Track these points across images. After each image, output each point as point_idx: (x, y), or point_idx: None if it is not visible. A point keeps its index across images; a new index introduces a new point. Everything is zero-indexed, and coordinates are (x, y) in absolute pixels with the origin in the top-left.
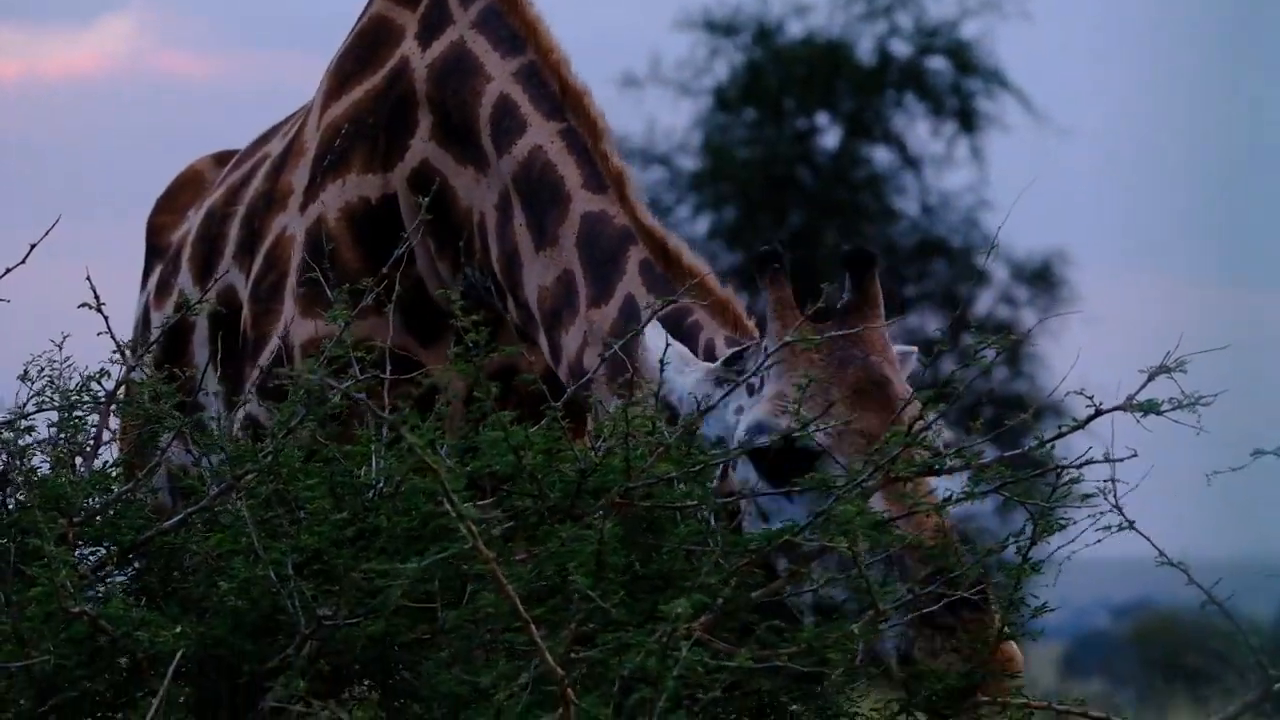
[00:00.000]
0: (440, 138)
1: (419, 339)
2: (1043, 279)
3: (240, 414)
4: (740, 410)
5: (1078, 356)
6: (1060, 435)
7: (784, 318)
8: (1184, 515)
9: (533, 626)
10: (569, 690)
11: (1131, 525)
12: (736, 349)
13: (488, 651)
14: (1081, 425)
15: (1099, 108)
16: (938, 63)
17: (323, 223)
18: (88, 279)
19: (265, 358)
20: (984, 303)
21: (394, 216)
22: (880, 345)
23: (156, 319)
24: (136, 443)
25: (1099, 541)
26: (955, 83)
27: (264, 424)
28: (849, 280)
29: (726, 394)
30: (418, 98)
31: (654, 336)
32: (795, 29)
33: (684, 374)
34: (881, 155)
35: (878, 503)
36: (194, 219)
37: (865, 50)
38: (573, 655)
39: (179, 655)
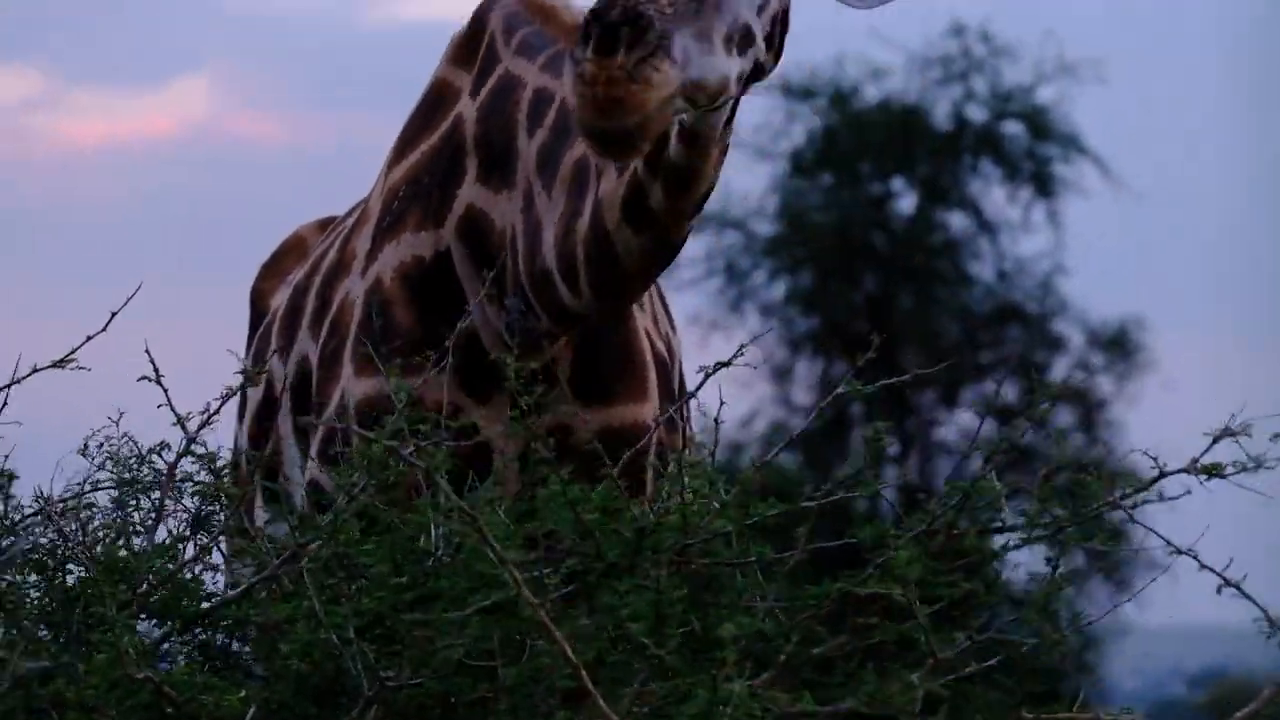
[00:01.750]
0: (483, 176)
1: (470, 393)
2: (1119, 345)
3: (306, 477)
4: None
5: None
6: (1125, 497)
7: None
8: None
9: (584, 673)
10: None
11: (1233, 585)
12: None
13: (548, 708)
14: (1146, 487)
15: (1178, 171)
16: (1014, 127)
17: (379, 283)
18: (146, 351)
19: (324, 420)
20: (1060, 368)
21: (448, 272)
22: None
23: (252, 391)
24: (196, 517)
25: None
26: (1031, 148)
27: (326, 488)
28: None
29: None
30: (467, 145)
31: None
32: (872, 93)
33: None
34: (957, 220)
35: None
36: (283, 292)
37: (941, 115)
38: (634, 710)
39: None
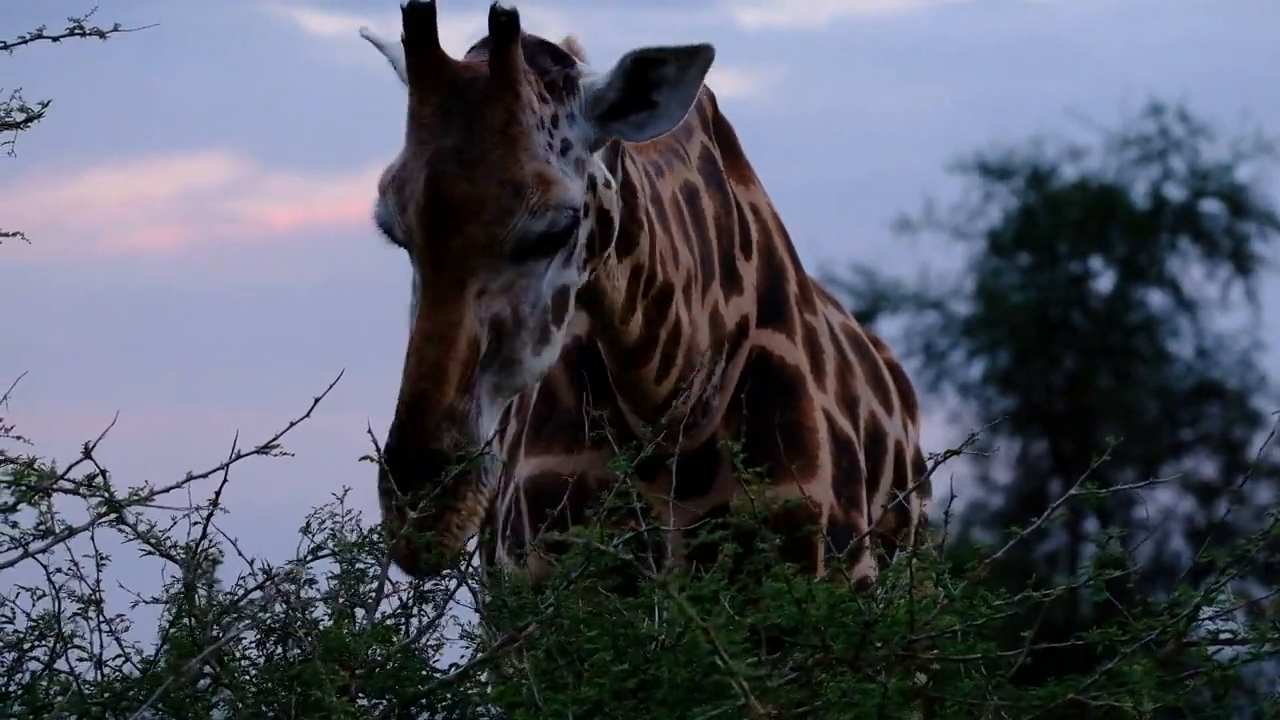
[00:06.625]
0: None
1: (640, 475)
2: None
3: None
4: None
5: None
6: None
7: None
8: None
9: None
10: None
11: None
12: None
13: None
14: None
15: None
16: (1212, 206)
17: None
18: (369, 431)
19: (502, 506)
20: (1259, 444)
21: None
22: None
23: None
24: (420, 591)
25: None
26: (1229, 226)
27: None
28: None
29: None
30: None
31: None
32: (1069, 173)
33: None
34: (1155, 298)
35: None
36: None
37: (1139, 194)
38: None
39: None
